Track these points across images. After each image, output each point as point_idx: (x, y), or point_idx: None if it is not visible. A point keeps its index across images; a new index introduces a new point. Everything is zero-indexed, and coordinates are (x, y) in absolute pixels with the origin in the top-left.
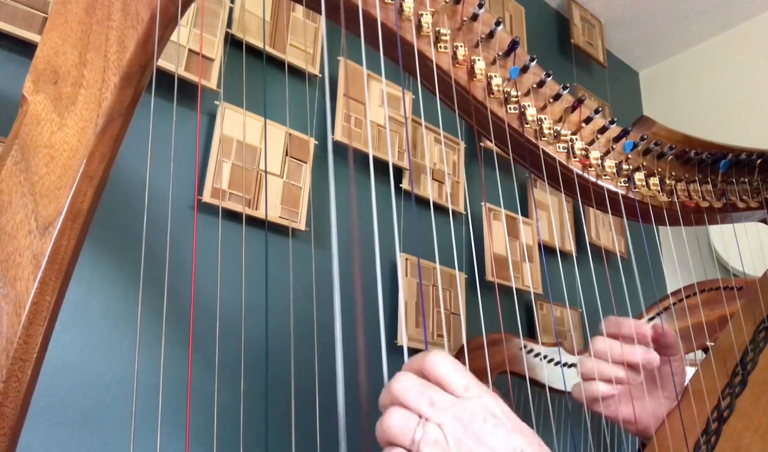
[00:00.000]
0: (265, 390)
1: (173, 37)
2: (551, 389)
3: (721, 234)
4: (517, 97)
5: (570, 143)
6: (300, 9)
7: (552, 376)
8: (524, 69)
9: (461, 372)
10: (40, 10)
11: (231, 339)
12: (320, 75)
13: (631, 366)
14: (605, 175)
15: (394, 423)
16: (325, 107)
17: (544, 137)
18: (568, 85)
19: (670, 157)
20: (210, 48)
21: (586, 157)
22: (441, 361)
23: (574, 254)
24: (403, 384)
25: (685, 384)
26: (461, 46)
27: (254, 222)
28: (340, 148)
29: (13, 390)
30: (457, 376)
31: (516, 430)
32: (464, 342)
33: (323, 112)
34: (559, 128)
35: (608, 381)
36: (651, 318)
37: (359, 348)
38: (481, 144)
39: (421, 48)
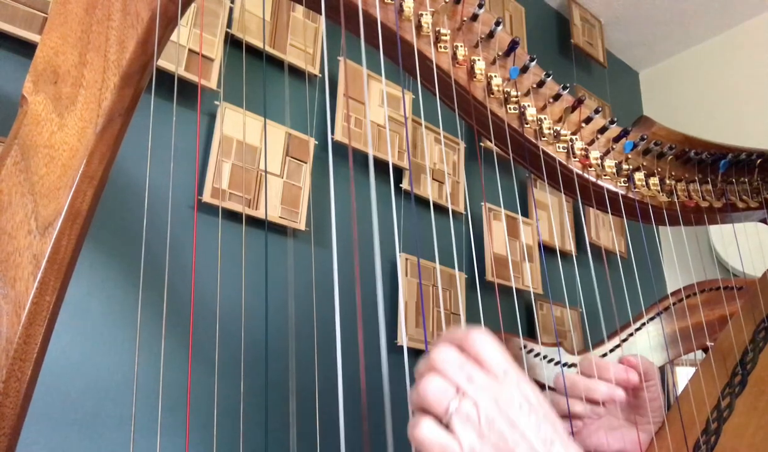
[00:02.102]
0: (265, 390)
1: (173, 37)
2: (551, 389)
3: (721, 235)
4: (517, 97)
5: (570, 143)
6: (300, 9)
7: (552, 376)
8: (524, 69)
9: (502, 356)
10: (40, 10)
11: (231, 339)
12: (320, 75)
13: (592, 403)
14: (605, 175)
15: (431, 389)
16: (325, 107)
17: (544, 137)
18: (568, 85)
19: (670, 157)
20: (210, 48)
21: (586, 157)
22: (484, 341)
23: (574, 254)
24: (445, 355)
25: (661, 408)
26: (461, 46)
27: (254, 222)
28: (340, 148)
29: (13, 390)
30: (499, 358)
31: (549, 421)
32: None
33: (323, 112)
34: (559, 128)
35: (564, 416)
36: (651, 318)
37: (359, 348)
38: (481, 144)
39: (421, 48)
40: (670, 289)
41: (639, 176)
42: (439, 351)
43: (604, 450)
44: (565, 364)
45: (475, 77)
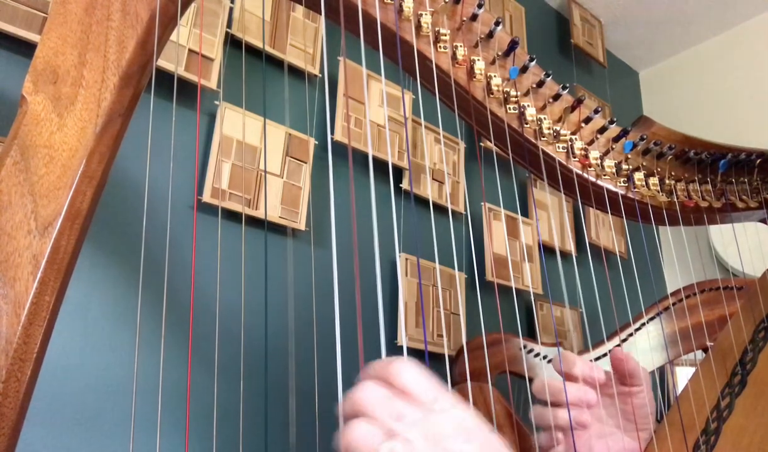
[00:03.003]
0: (265, 390)
1: (173, 37)
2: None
3: (721, 235)
4: (516, 97)
5: (569, 143)
6: (300, 9)
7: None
8: (524, 69)
9: (430, 383)
10: (40, 10)
11: (231, 339)
12: (320, 75)
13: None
14: (605, 175)
15: (358, 437)
16: (325, 107)
17: (543, 137)
18: (567, 85)
19: (670, 156)
20: (210, 48)
21: (586, 156)
22: (408, 371)
23: (574, 254)
24: (368, 394)
25: (649, 415)
26: (461, 46)
27: (254, 222)
28: (340, 148)
29: (12, 390)
30: (426, 387)
31: (489, 445)
32: (464, 342)
33: (323, 112)
34: (558, 128)
35: (548, 427)
36: (651, 318)
37: (359, 348)
38: (481, 144)
39: (421, 48)
40: (670, 289)
41: (639, 176)
42: (362, 390)
43: None
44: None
45: (474, 77)
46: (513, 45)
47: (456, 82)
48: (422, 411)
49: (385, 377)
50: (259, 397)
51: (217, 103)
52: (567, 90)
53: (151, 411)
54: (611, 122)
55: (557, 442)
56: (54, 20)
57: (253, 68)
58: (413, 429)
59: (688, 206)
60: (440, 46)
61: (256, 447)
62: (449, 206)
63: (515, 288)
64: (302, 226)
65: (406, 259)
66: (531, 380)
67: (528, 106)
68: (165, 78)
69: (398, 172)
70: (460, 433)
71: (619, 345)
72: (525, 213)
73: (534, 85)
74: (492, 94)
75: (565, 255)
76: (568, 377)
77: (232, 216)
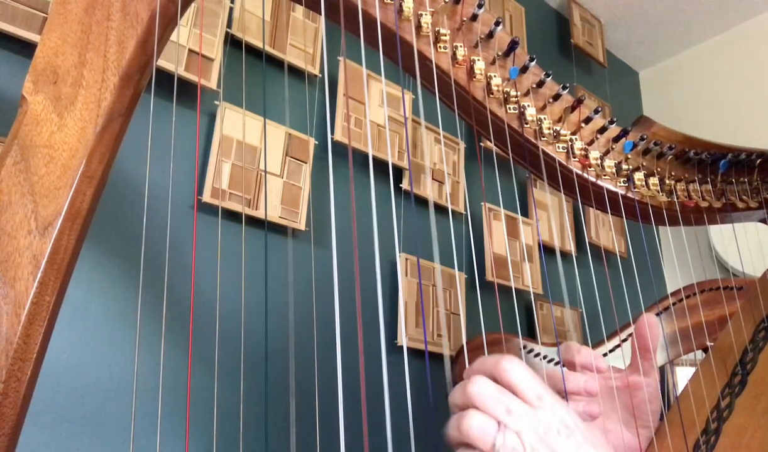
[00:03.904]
0: (265, 390)
1: (173, 37)
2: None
3: (721, 235)
4: (516, 97)
5: (570, 143)
6: (300, 9)
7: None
8: (524, 69)
9: (535, 381)
10: (40, 10)
11: (231, 339)
12: (320, 75)
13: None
14: (605, 175)
15: (474, 425)
16: (325, 107)
17: (543, 137)
18: (567, 85)
19: (670, 157)
20: (210, 48)
21: (586, 157)
22: (516, 368)
23: (574, 254)
24: (481, 388)
25: (657, 411)
26: (461, 46)
27: (254, 222)
28: (340, 148)
29: (12, 390)
30: (532, 385)
31: (587, 441)
32: (464, 342)
33: (323, 112)
34: (558, 128)
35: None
36: None
37: (359, 348)
38: (481, 144)
39: (421, 48)
40: (670, 289)
41: (639, 176)
42: (474, 384)
43: None
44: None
45: (474, 77)
46: (513, 45)
47: (456, 82)
48: (529, 407)
49: (494, 373)
50: (259, 397)
51: (217, 103)
52: (567, 90)
53: (151, 411)
54: (611, 122)
55: None
56: (54, 20)
57: (253, 68)
58: (522, 423)
59: (689, 206)
60: (440, 46)
61: (256, 447)
62: (449, 206)
63: (515, 288)
64: (302, 226)
65: (406, 259)
66: None
67: (528, 106)
68: (165, 78)
69: (398, 172)
70: (563, 429)
71: (619, 346)
72: (525, 213)
73: (534, 85)
74: (492, 94)
75: (565, 255)
76: (571, 367)
77: (232, 216)
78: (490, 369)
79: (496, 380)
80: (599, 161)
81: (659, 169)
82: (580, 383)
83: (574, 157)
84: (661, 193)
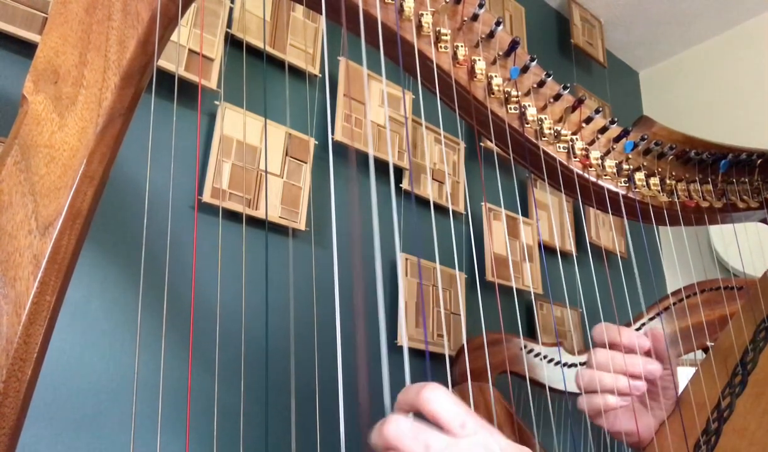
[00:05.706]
0: (265, 390)
1: (173, 37)
2: (551, 389)
3: (721, 235)
4: (517, 97)
5: (570, 143)
6: (300, 9)
7: (552, 376)
8: (524, 69)
9: (457, 409)
10: (40, 10)
11: (231, 339)
12: (320, 75)
13: (633, 377)
14: (605, 175)
15: None
16: (325, 107)
17: (544, 137)
18: (568, 85)
19: (671, 157)
20: (210, 48)
21: (587, 156)
22: (437, 397)
23: (574, 254)
24: (397, 428)
25: (675, 397)
26: (461, 46)
27: (254, 222)
28: (340, 148)
29: (13, 390)
30: (454, 413)
31: None
32: (464, 342)
33: (323, 112)
34: (559, 128)
35: (611, 392)
36: (651, 318)
37: (359, 348)
38: (482, 144)
39: (422, 48)
40: (670, 289)
41: (639, 176)
42: (389, 424)
43: (633, 433)
44: (565, 364)
45: (475, 77)
46: (514, 45)
47: (457, 82)
48: (450, 438)
49: (416, 404)
50: (260, 397)
51: (217, 103)
52: (568, 90)
53: (152, 411)
54: (612, 122)
55: (605, 408)
56: (55, 20)
57: (254, 68)
58: None
59: (689, 206)
60: (441, 46)
61: (257, 447)
62: (449, 206)
63: (515, 288)
64: (302, 226)
65: (406, 259)
66: (531, 379)
67: (529, 106)
68: (165, 78)
69: (398, 171)
70: None
71: None
72: (525, 213)
73: (535, 85)
74: (493, 94)
75: (565, 255)
76: (614, 346)
77: (232, 216)
78: (413, 400)
79: (418, 411)
80: (600, 161)
81: (660, 169)
82: (633, 339)
83: (575, 157)
84: (661, 193)
